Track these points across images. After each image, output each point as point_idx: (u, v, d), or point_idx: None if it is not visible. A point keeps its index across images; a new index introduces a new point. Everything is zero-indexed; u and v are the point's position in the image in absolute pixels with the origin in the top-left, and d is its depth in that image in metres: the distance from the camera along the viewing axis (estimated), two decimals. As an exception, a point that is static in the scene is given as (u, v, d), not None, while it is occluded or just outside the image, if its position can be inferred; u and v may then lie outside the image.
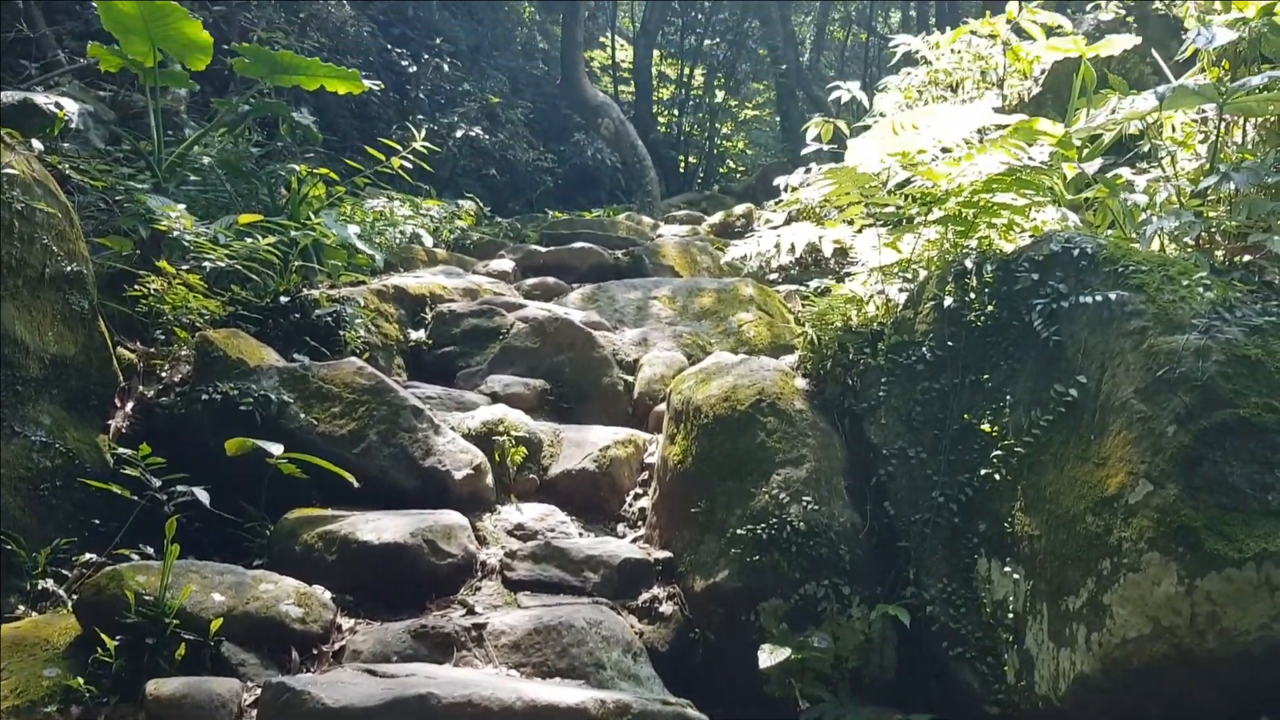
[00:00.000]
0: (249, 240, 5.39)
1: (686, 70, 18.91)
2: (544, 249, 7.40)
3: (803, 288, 6.43)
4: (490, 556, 3.87)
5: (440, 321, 5.67)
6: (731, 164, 20.59)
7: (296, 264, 5.76)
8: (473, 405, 4.88)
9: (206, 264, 5.20)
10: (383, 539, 3.69)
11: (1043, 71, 6.93)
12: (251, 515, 4.04)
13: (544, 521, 4.14)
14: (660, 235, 9.15)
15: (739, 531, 3.56)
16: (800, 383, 3.97)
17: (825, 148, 7.81)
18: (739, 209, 9.66)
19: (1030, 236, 4.12)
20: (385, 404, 4.28)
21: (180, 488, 3.91)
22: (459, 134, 15.10)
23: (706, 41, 18.00)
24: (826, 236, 4.76)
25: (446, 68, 15.56)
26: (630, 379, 5.28)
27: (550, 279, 6.71)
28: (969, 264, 3.74)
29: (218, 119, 6.73)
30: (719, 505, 3.70)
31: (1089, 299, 3.27)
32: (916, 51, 7.26)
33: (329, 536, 3.75)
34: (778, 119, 22.57)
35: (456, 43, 16.24)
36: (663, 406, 5.01)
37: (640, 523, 4.33)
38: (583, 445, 4.52)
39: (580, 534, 4.20)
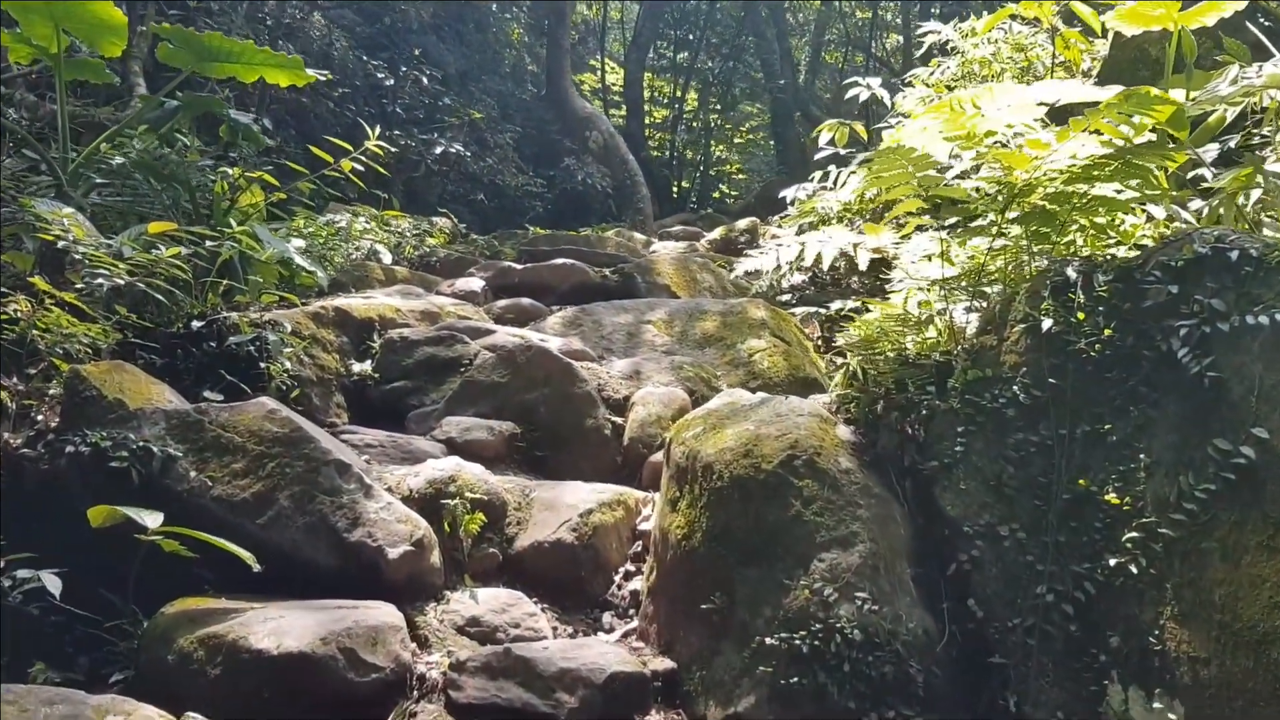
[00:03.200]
0: (157, 253, 4.44)
1: (679, 88, 18.05)
2: (519, 266, 6.43)
3: (821, 310, 5.48)
4: (432, 668, 2.87)
5: (390, 350, 4.69)
6: (724, 188, 19.71)
7: (222, 283, 4.80)
8: (424, 456, 3.90)
9: (101, 281, 4.23)
10: (283, 646, 2.70)
11: (1095, 61, 6.02)
12: (118, 609, 3.06)
13: (506, 614, 3.14)
14: (654, 251, 8.19)
15: (769, 640, 2.58)
16: (843, 431, 2.99)
17: (841, 151, 6.91)
18: (742, 223, 8.72)
19: (1117, 241, 3.18)
20: (302, 458, 3.30)
21: (22, 572, 2.98)
22: (438, 150, 14.23)
23: (701, 57, 17.13)
24: (864, 244, 3.82)
25: (426, 81, 14.68)
26: (619, 420, 4.30)
27: (525, 300, 5.74)
28: (1072, 273, 2.79)
29: (135, 113, 5.78)
30: (740, 601, 2.72)
31: (1264, 319, 2.32)
32: (947, 42, 6.36)
33: (213, 642, 2.76)
34: (771, 141, 21.77)
35: (445, 67, 15.42)
36: (659, 457, 4.03)
37: (632, 612, 3.34)
38: (558, 508, 3.53)
39: (554, 629, 3.20)
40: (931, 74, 6.33)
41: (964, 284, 3.22)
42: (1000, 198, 3.13)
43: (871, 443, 2.97)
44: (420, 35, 15.67)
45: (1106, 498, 2.49)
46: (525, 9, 18.45)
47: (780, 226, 8.92)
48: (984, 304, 3.13)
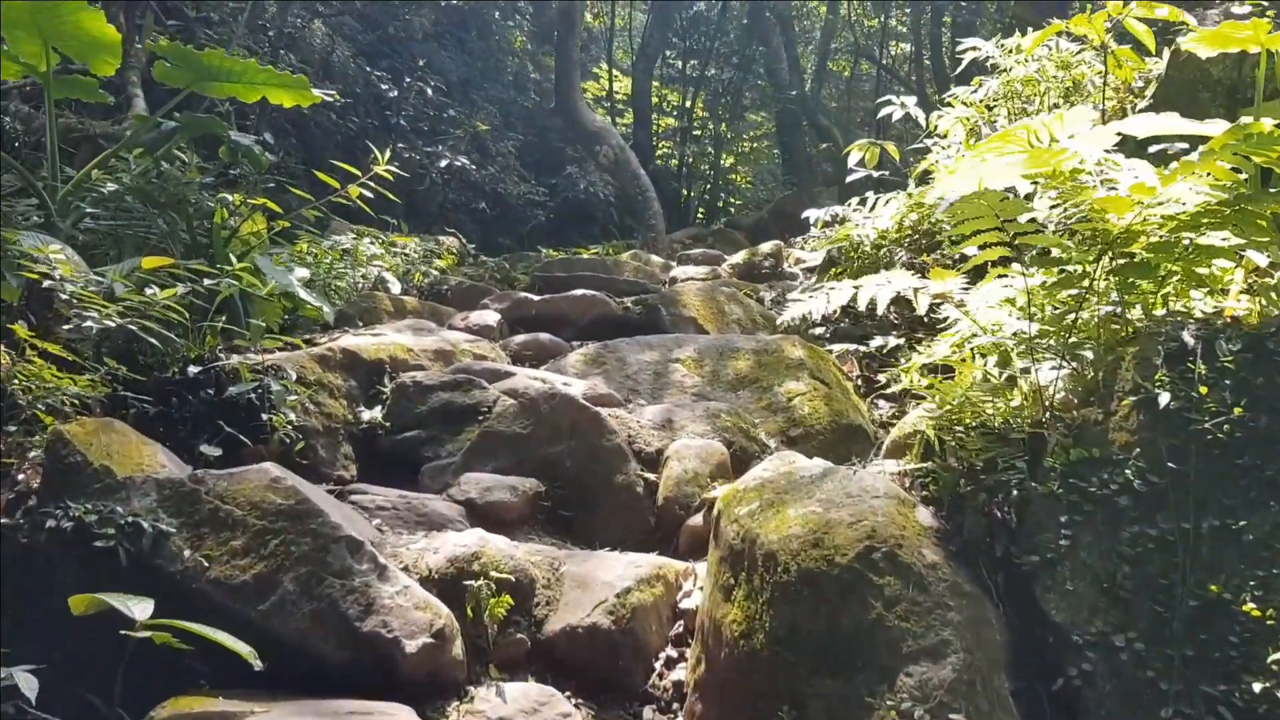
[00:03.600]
0: (153, 292, 4.10)
1: (688, 97, 17.70)
2: (536, 297, 6.08)
3: (860, 347, 5.14)
4: (456, 786, 2.53)
5: (402, 396, 4.34)
6: (732, 199, 19.33)
7: (219, 323, 4.46)
8: (440, 521, 3.56)
9: (90, 324, 3.90)
10: (288, 765, 2.36)
11: (1150, 81, 5.69)
12: (103, 714, 2.72)
13: (538, 714, 2.79)
14: (674, 277, 7.83)
15: (851, 770, 2.23)
16: (924, 516, 2.64)
17: (874, 173, 6.57)
18: (765, 247, 8.36)
19: (1208, 290, 2.84)
20: (308, 535, 2.96)
21: (-14, 669, 2.64)
22: (443, 164, 13.91)
23: (711, 67, 16.78)
24: (927, 289, 3.47)
25: (430, 92, 14.35)
26: (652, 477, 3.95)
27: (544, 336, 5.38)
28: (1188, 338, 2.45)
29: (129, 137, 5.44)
30: (814, 719, 2.36)
31: None
32: (988, 58, 6.02)
33: (209, 757, 2.42)
34: (775, 151, 21.38)
35: (446, 75, 15.12)
36: (698, 520, 3.70)
37: (676, 706, 2.99)
38: (591, 586, 3.18)
39: (592, 732, 2.86)
40: (973, 92, 5.99)
41: (1051, 341, 2.87)
42: (1094, 245, 2.79)
43: (956, 528, 2.62)
44: (422, 43, 15.37)
45: (1244, 607, 2.15)
46: (529, 16, 18.15)
47: (805, 249, 8.58)
48: (1078, 366, 2.78)
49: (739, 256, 8.33)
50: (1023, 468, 2.59)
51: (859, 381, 5.09)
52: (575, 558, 3.38)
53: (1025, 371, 2.91)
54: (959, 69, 6.33)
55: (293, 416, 3.96)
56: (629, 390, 4.82)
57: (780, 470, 3.00)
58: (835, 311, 5.74)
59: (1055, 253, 2.99)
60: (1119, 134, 3.28)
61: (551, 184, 15.60)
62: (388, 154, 5.32)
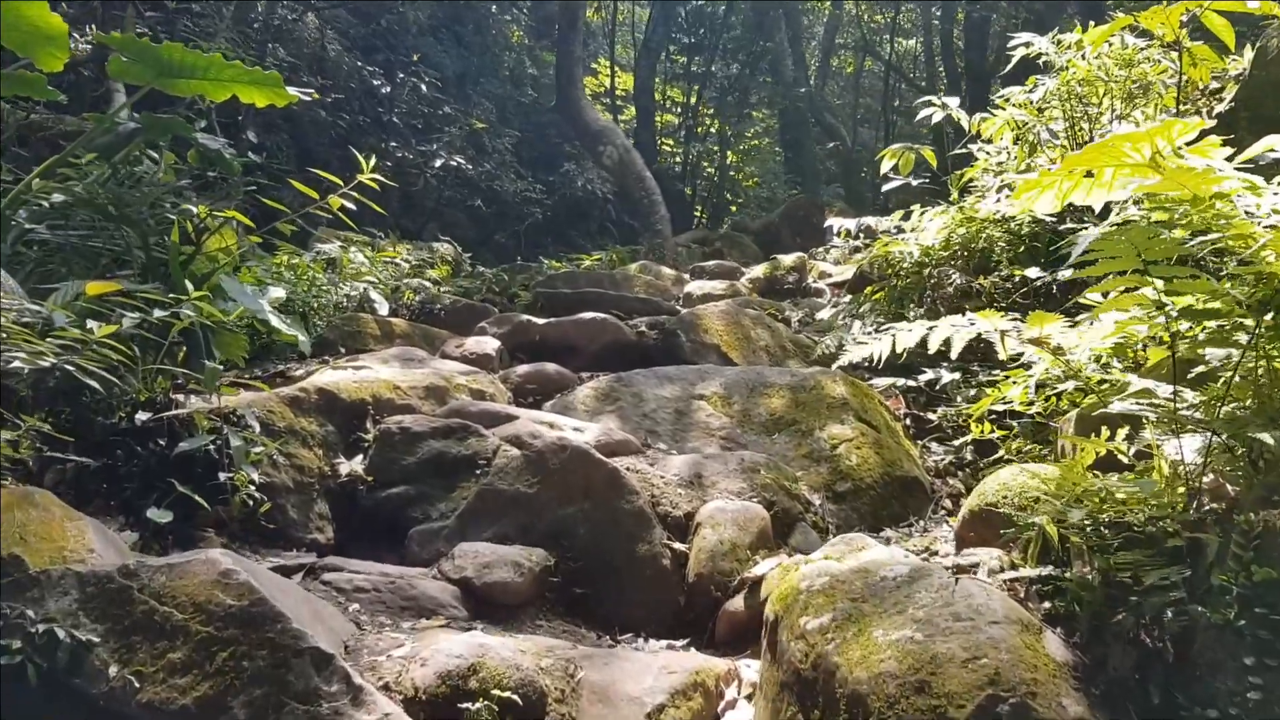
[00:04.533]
0: (96, 325, 3.50)
1: (693, 94, 17.07)
2: (540, 320, 5.46)
3: (909, 381, 4.55)
4: None
5: (388, 445, 3.74)
6: (729, 196, 18.68)
7: (178, 356, 3.87)
8: (431, 606, 2.97)
9: (19, 364, 3.30)
10: None
11: (1224, 83, 5.11)
12: None
13: None
14: (689, 293, 7.21)
15: None
16: (1054, 646, 2.05)
17: (914, 181, 5.98)
18: (787, 260, 7.75)
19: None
20: (266, 646, 2.36)
21: None
22: (438, 163, 13.32)
23: (716, 63, 16.16)
24: (1019, 333, 2.88)
25: (425, 88, 13.74)
26: (681, 547, 3.36)
27: (550, 367, 4.78)
28: None
29: (81, 138, 4.82)
30: None
31: None
32: (1039, 55, 5.42)
33: None
34: (777, 149, 20.75)
35: (442, 70, 14.56)
36: (738, 603, 3.11)
37: None
38: (614, 701, 2.59)
39: None
40: (1028, 92, 5.40)
41: (1202, 414, 2.28)
42: (1257, 295, 2.20)
43: (1097, 662, 2.03)
44: (417, 37, 14.79)
45: None
46: (526, 11, 17.56)
47: (832, 263, 7.99)
48: (1240, 446, 2.19)
49: (759, 270, 7.71)
50: (1181, 585, 2.00)
51: (907, 421, 4.50)
52: (594, 660, 2.78)
53: (1158, 444, 2.33)
54: (1008, 67, 5.73)
55: (256, 476, 3.36)
56: (647, 432, 4.22)
57: (853, 566, 2.41)
58: (867, 335, 5.16)
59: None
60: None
61: (548, 181, 15.11)
62: (373, 160, 4.72)
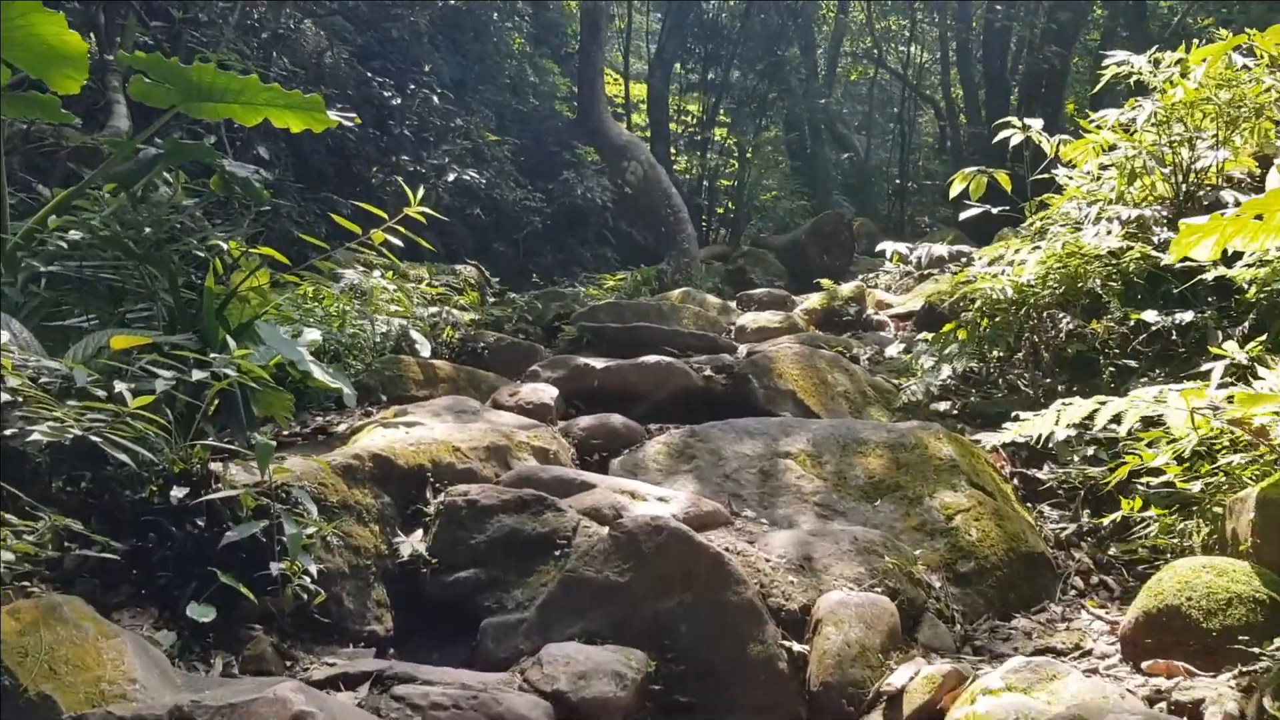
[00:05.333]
0: (126, 389, 3.08)
1: (709, 107, 16.66)
2: (598, 364, 4.99)
3: (1015, 435, 4.12)
4: None
5: (452, 521, 3.31)
6: (752, 214, 18.23)
7: (211, 421, 3.45)
8: (521, 727, 2.55)
9: (38, 437, 2.89)
10: None
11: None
12: None
13: None
14: (742, 326, 6.77)
15: None
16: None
17: (994, 210, 5.57)
18: (845, 289, 7.31)
19: None
20: (352, 813, 1.94)
21: None
22: (450, 178, 12.92)
23: (735, 74, 15.78)
24: (1217, 410, 2.48)
25: (436, 100, 13.34)
26: (799, 648, 2.93)
27: (615, 419, 4.34)
28: None
29: (100, 167, 4.39)
30: None
31: None
32: (1135, 76, 5.03)
33: None
34: (782, 160, 20.27)
35: (440, 77, 14.19)
36: (877, 721, 2.69)
37: None
38: None
39: None
40: (1123, 114, 5.00)
41: None
42: None
43: None
44: (414, 44, 14.39)
45: None
46: (528, 18, 17.16)
47: (882, 288, 7.57)
48: None
49: (815, 300, 7.27)
50: None
51: (1015, 481, 4.09)
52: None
53: None
54: (1097, 87, 5.33)
55: (312, 567, 2.93)
56: (730, 495, 3.80)
57: (1064, 714, 1.99)
58: (951, 379, 4.76)
59: None
60: None
61: (548, 189, 14.84)
62: (420, 193, 4.30)
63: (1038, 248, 4.66)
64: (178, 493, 3.06)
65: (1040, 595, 3.38)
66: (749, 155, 15.74)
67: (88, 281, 4.24)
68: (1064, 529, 3.75)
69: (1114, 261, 4.38)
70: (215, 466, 3.24)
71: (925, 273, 7.21)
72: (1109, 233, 4.46)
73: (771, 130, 19.48)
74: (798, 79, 17.70)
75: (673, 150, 16.28)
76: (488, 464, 3.73)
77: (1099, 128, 4.99)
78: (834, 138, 20.77)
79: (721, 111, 16.69)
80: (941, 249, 6.09)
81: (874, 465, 3.85)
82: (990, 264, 5.08)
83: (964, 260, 5.88)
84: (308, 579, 2.95)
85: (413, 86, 13.43)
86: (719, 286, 12.35)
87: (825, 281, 7.40)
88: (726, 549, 3.17)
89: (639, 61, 18.92)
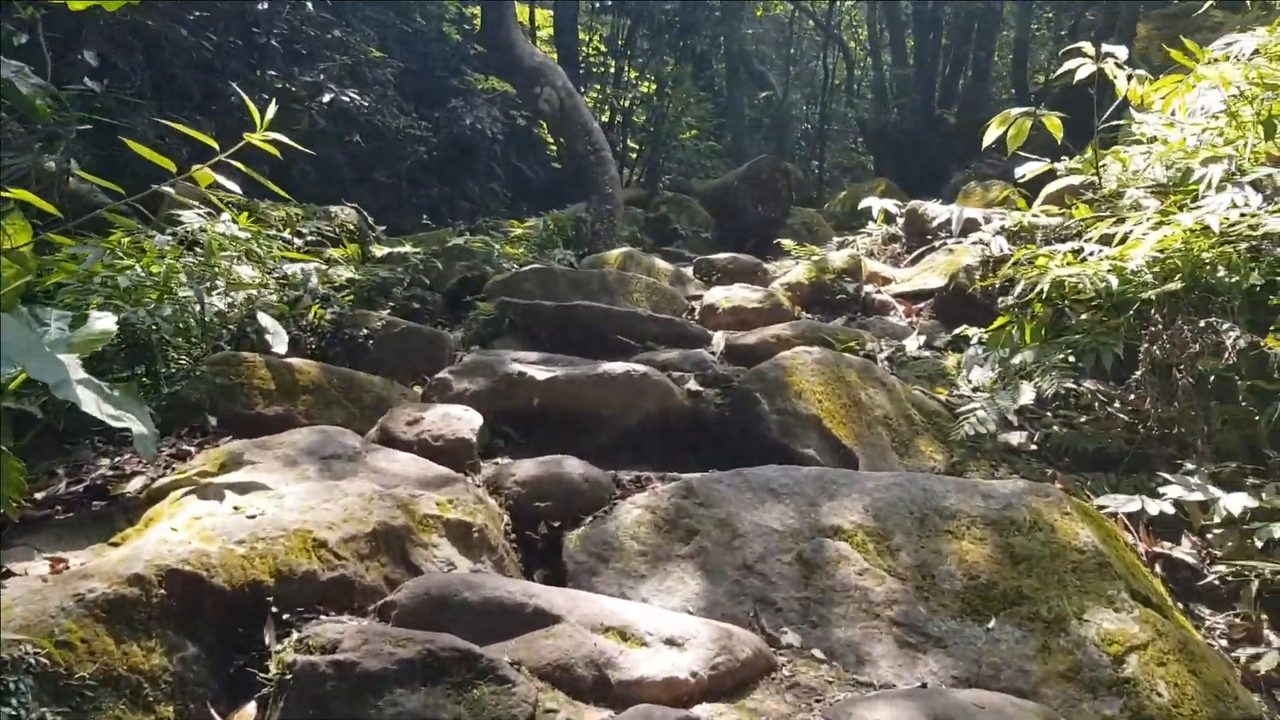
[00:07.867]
0: None
1: (624, 29, 15.03)
2: (538, 374, 3.43)
3: (1154, 504, 2.86)
4: None
5: (309, 700, 1.85)
6: (671, 150, 16.62)
7: None
8: None
9: None
10: None
11: None
12: None
13: None
14: (710, 305, 5.31)
15: None
16: None
17: (1061, 168, 4.28)
18: (837, 259, 5.84)
19: None
20: None
21: None
22: (327, 99, 11.13)
23: (651, -2, 14.10)
24: None
25: (310, 6, 11.45)
26: None
27: (570, 465, 2.84)
28: None
29: None
30: None
31: None
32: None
33: None
34: (704, 96, 18.78)
35: (316, -11, 12.34)
36: None
37: None
38: None
39: None
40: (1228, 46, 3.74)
41: None
42: None
43: None
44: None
45: None
46: (416, -75, 15.18)
47: (883, 262, 6.23)
48: None
49: (800, 272, 5.78)
50: None
51: (1152, 561, 2.84)
52: None
53: None
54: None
55: None
56: (755, 601, 2.44)
57: None
58: (1034, 401, 3.48)
59: None
60: None
61: (434, 118, 13.26)
62: (270, 111, 2.75)
63: (1163, 223, 3.38)
64: None
65: (1270, 795, 2.14)
66: (668, 89, 14.17)
67: None
68: (1244, 651, 2.52)
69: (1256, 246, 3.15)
70: None
71: (932, 241, 5.87)
72: (1247, 201, 3.22)
73: (686, 65, 17.90)
74: (713, 5, 16.16)
75: (582, 86, 14.63)
76: (373, 565, 2.26)
77: (1215, 60, 3.72)
78: (751, 75, 19.36)
79: (639, 37, 15.06)
80: (974, 212, 4.81)
81: (973, 556, 2.53)
82: (1058, 240, 3.80)
83: (995, 228, 4.58)
84: None
85: (282, -10, 11.46)
86: (638, 236, 10.91)
87: (794, 245, 5.94)
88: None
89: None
